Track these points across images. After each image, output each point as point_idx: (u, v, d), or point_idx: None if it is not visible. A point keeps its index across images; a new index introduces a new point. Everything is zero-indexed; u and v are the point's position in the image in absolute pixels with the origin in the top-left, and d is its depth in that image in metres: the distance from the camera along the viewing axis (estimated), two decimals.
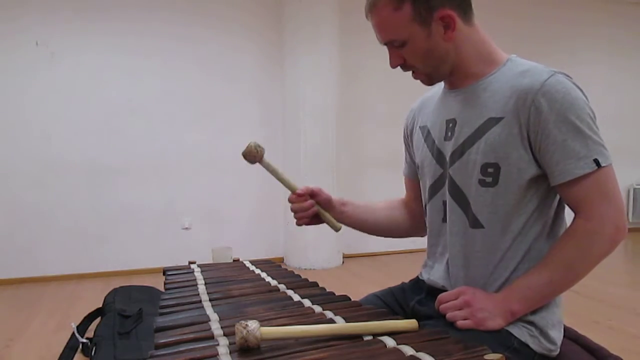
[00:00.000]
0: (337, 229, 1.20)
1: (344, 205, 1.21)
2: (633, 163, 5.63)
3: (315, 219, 1.19)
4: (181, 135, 4.16)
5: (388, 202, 1.30)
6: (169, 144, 4.13)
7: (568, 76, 0.93)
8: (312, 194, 1.17)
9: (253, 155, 1.11)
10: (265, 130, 4.38)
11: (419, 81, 1.07)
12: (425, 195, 1.13)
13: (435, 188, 1.08)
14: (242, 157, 1.11)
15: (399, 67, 1.03)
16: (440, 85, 1.12)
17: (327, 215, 1.18)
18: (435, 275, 1.09)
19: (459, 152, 1.00)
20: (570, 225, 0.94)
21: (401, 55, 0.99)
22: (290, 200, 1.17)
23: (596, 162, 0.88)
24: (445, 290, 1.04)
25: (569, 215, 0.98)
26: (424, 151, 1.11)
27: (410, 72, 1.04)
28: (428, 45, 0.96)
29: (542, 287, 0.93)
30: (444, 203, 1.05)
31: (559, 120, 0.89)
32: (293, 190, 1.16)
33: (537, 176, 0.94)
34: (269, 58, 4.36)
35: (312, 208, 1.16)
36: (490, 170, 0.95)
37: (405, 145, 1.25)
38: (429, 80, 1.04)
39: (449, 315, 0.94)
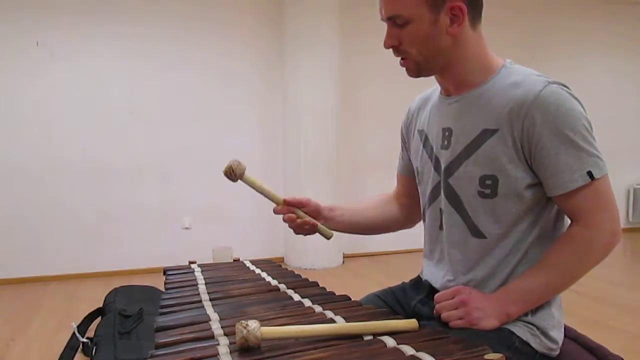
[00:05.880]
0: (328, 237, 1.19)
1: (333, 211, 1.20)
2: (633, 163, 5.63)
3: (309, 229, 1.16)
4: (181, 136, 4.16)
5: (377, 200, 1.30)
6: (169, 144, 4.13)
7: (564, 85, 0.92)
8: (300, 205, 1.15)
9: (233, 172, 1.11)
10: (265, 131, 4.38)
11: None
12: (424, 201, 1.13)
13: (433, 195, 1.08)
14: (223, 175, 1.11)
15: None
16: (437, 87, 1.10)
17: (318, 224, 1.16)
18: (431, 279, 1.10)
19: (457, 163, 1.00)
20: (568, 231, 0.95)
21: (398, 36, 0.96)
22: (275, 212, 1.17)
23: (590, 174, 0.88)
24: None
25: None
26: (423, 157, 1.11)
27: (403, 69, 1.02)
28: (430, 31, 0.94)
29: (538, 290, 0.93)
30: (441, 211, 1.05)
31: (552, 133, 0.88)
32: (278, 202, 1.16)
33: (535, 184, 0.94)
34: (270, 58, 4.35)
35: (304, 219, 1.15)
36: (488, 182, 0.95)
37: (402, 143, 1.25)
38: (417, 71, 1.00)
39: (444, 315, 0.94)
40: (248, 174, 1.13)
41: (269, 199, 1.17)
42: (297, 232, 1.18)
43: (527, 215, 0.95)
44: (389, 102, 4.50)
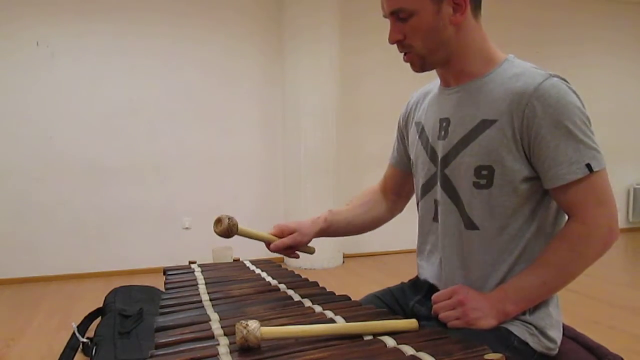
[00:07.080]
0: (311, 253, 1.26)
1: (326, 225, 1.22)
2: (633, 163, 5.63)
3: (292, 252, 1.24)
4: (182, 135, 4.16)
5: (366, 200, 1.29)
6: (169, 144, 4.13)
7: (563, 79, 0.92)
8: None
9: (228, 231, 1.11)
10: (265, 130, 4.38)
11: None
12: (418, 192, 1.13)
13: (427, 186, 1.08)
14: (216, 235, 1.12)
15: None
16: (437, 82, 1.11)
17: (301, 248, 1.23)
18: (425, 274, 1.10)
19: (453, 153, 1.00)
20: (564, 228, 0.94)
21: (402, 30, 0.96)
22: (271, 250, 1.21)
23: (588, 167, 0.88)
24: (438, 289, 1.04)
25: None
26: (418, 148, 1.11)
27: (404, 66, 1.02)
28: (434, 23, 0.94)
29: (536, 288, 0.93)
30: (436, 202, 1.05)
31: (552, 125, 0.89)
32: (272, 241, 1.20)
33: (532, 178, 0.94)
34: (270, 59, 4.36)
35: (294, 253, 1.23)
36: (484, 172, 0.95)
37: (399, 135, 1.24)
38: (421, 65, 1.00)
39: (441, 315, 0.94)
40: (240, 224, 1.14)
41: (264, 241, 1.21)
42: (288, 256, 1.25)
43: (523, 209, 0.95)
44: (389, 100, 4.50)
